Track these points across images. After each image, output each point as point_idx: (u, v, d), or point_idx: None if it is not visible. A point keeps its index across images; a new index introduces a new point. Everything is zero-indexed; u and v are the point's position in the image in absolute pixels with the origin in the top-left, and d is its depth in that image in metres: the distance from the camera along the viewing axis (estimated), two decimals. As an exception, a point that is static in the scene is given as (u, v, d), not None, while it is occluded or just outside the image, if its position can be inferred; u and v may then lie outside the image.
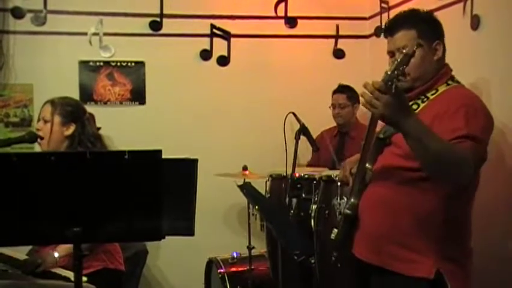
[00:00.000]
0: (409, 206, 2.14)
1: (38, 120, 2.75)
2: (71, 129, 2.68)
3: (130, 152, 1.91)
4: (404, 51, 1.91)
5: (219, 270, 3.96)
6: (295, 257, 2.40)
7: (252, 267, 3.88)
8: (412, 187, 2.12)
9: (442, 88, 2.22)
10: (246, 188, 2.64)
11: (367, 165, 2.13)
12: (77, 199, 1.92)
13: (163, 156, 1.94)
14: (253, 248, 3.91)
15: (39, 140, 2.68)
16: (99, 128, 4.05)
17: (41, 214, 1.92)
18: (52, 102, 2.73)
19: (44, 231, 1.97)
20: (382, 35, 4.43)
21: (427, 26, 2.24)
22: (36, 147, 2.86)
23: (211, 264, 4.10)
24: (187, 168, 2.02)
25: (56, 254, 2.50)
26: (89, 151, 2.05)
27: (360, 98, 1.99)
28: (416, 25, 2.22)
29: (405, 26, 2.23)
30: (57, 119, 2.67)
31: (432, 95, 2.21)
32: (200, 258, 4.16)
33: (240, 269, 3.98)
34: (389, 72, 1.87)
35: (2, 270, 2.36)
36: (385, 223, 2.18)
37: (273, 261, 3.73)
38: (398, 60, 1.89)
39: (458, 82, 2.29)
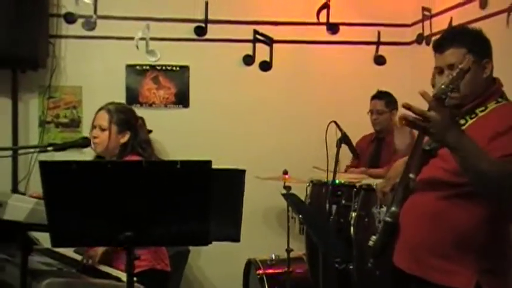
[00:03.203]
0: (452, 220, 2.16)
1: (93, 127, 2.83)
2: (126, 137, 2.77)
3: (182, 162, 1.99)
4: (460, 66, 1.95)
5: (257, 271, 4.06)
6: (336, 265, 2.46)
7: (290, 269, 3.96)
8: (456, 201, 2.14)
9: (491, 106, 2.22)
10: (290, 197, 2.72)
11: (410, 175, 2.17)
12: (131, 205, 2.01)
13: (212, 165, 2.01)
14: (292, 250, 3.99)
15: (93, 145, 2.79)
16: (150, 131, 4.17)
17: (97, 218, 2.01)
18: (108, 110, 2.80)
19: (99, 234, 2.07)
20: (423, 42, 4.50)
21: (477, 44, 2.24)
22: (86, 152, 2.96)
23: (250, 265, 4.20)
24: (235, 178, 2.10)
25: None
26: (144, 161, 2.14)
27: (399, 117, 2.03)
28: (467, 43, 2.22)
29: (456, 43, 2.23)
30: (114, 128, 2.76)
31: (481, 111, 2.21)
32: (239, 259, 4.26)
33: (278, 270, 4.06)
34: (443, 86, 1.92)
35: (58, 269, 2.49)
36: (426, 234, 2.21)
37: (311, 265, 3.80)
38: (454, 74, 1.94)
39: (508, 99, 2.30)
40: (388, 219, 2.18)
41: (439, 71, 2.28)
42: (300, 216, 2.66)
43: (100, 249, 2.64)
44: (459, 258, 2.15)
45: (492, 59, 2.27)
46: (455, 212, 2.16)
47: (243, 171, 2.09)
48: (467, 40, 2.24)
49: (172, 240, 2.19)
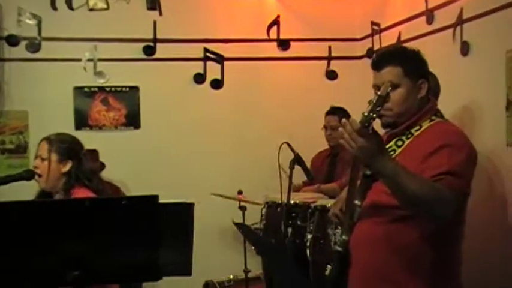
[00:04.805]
0: (398, 243, 2.17)
1: (35, 157, 2.75)
2: (67, 166, 2.69)
3: (128, 198, 1.95)
4: (378, 93, 1.95)
5: (216, 293, 4.00)
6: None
7: (249, 289, 3.92)
8: (400, 224, 2.15)
9: (425, 124, 2.25)
10: (243, 228, 2.68)
11: (355, 201, 2.15)
12: (76, 243, 1.94)
13: (159, 199, 1.96)
14: (249, 271, 3.95)
15: (37, 177, 2.70)
16: (102, 164, 4.06)
17: (42, 259, 1.94)
18: (48, 139, 2.73)
19: (45, 275, 2.00)
20: (374, 56, 4.52)
21: (413, 64, 2.27)
22: (34, 184, 2.87)
23: (208, 287, 4.13)
24: (184, 212, 2.05)
25: None
26: (87, 199, 2.08)
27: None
28: (403, 62, 2.24)
29: (392, 62, 2.24)
30: (54, 156, 2.67)
31: (416, 131, 2.25)
32: (197, 281, 4.18)
33: (236, 291, 4.02)
34: (365, 114, 1.92)
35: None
36: (375, 260, 2.21)
37: (269, 284, 3.77)
38: (374, 101, 1.94)
39: (442, 117, 2.33)
40: (338, 248, 2.17)
41: (376, 89, 2.27)
42: (253, 247, 2.62)
43: None
44: (408, 282, 2.16)
45: (428, 79, 2.30)
46: (400, 235, 2.16)
47: (191, 204, 2.04)
48: (403, 60, 2.26)
49: (122, 277, 2.14)
